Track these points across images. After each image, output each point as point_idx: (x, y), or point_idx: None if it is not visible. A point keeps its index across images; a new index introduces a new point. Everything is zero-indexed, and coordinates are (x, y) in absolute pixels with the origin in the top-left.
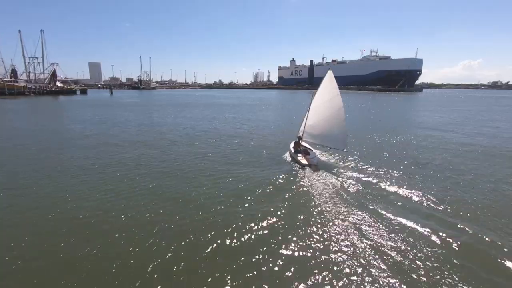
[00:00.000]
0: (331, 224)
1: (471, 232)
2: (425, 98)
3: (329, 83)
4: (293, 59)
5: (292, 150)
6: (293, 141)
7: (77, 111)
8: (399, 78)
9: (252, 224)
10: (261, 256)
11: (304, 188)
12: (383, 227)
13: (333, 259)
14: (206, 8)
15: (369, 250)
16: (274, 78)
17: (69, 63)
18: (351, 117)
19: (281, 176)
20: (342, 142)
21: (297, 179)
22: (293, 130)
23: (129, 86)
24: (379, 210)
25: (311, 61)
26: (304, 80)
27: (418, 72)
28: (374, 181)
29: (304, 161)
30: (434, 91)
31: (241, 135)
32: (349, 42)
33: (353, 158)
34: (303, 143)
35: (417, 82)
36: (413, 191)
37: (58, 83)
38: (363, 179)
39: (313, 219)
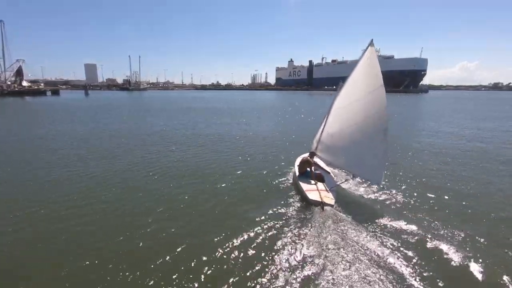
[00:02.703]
0: None
1: None
2: (441, 100)
3: (367, 68)
4: (291, 59)
5: (297, 172)
6: (301, 157)
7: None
8: (403, 79)
9: None
10: None
11: (309, 248)
12: None
13: None
14: (204, 9)
15: None
16: (272, 79)
17: (66, 63)
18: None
19: (267, 225)
20: (378, 172)
21: (297, 229)
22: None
23: (117, 87)
24: None
25: (310, 61)
26: (303, 81)
27: (422, 73)
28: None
29: (313, 197)
30: (443, 93)
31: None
32: (350, 42)
33: (398, 195)
34: (316, 160)
35: (421, 82)
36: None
37: (24, 83)
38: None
39: None
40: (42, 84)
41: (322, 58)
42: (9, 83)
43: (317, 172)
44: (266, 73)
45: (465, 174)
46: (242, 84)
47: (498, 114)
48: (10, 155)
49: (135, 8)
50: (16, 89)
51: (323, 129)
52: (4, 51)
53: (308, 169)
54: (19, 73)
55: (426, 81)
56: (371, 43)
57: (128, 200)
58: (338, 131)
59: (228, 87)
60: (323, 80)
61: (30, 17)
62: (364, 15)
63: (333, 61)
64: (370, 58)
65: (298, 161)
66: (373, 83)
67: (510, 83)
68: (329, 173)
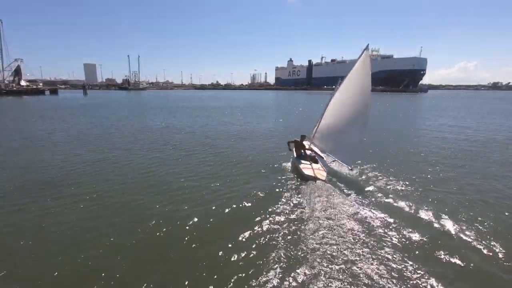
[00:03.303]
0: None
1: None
2: (442, 100)
3: (361, 70)
4: (290, 59)
5: (295, 155)
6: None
7: None
8: (402, 78)
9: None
10: None
11: (302, 214)
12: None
13: None
14: (203, 9)
15: None
16: (272, 79)
17: (66, 64)
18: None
19: (270, 194)
20: (352, 157)
21: (293, 200)
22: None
23: (116, 87)
24: (399, 251)
25: (309, 61)
26: (302, 80)
27: (422, 72)
28: (403, 207)
29: (308, 172)
30: (443, 92)
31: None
32: (349, 42)
33: (382, 175)
34: (312, 147)
35: (420, 82)
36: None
37: (22, 82)
38: (392, 205)
39: (308, 257)
40: (41, 84)
41: (322, 58)
42: (7, 82)
43: (312, 155)
44: (266, 73)
45: (444, 162)
46: (242, 84)
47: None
48: (6, 154)
49: (134, 8)
50: (15, 88)
51: (321, 119)
52: (2, 51)
53: (303, 152)
54: (17, 72)
55: (425, 81)
56: (366, 48)
57: (137, 188)
58: (333, 122)
59: (228, 87)
60: (322, 80)
61: (30, 18)
62: (364, 14)
63: (333, 60)
64: (364, 62)
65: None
66: (363, 84)
67: (509, 82)
68: (322, 157)
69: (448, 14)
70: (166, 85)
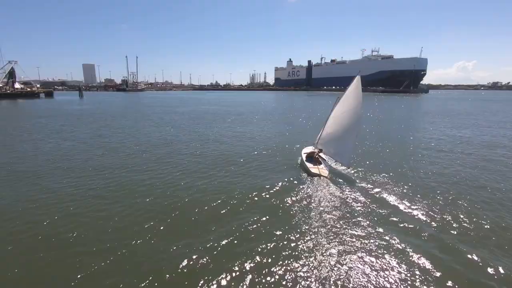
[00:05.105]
0: (335, 241)
1: (482, 260)
2: (455, 102)
3: (355, 89)
4: (290, 59)
5: (304, 157)
6: (307, 147)
7: None
8: (403, 79)
9: (244, 238)
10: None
11: (310, 200)
12: (388, 248)
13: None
14: (202, 10)
15: (370, 271)
16: (271, 80)
17: (65, 64)
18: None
19: (284, 185)
20: (348, 157)
21: (303, 190)
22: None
23: (113, 88)
24: (387, 230)
25: (309, 62)
26: (302, 81)
27: (422, 72)
28: (393, 199)
29: (314, 170)
30: (444, 93)
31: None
32: (349, 42)
33: (374, 174)
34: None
35: (420, 82)
36: (431, 214)
37: (16, 85)
38: (383, 197)
39: (316, 235)
40: (37, 85)
41: (321, 58)
42: (1, 85)
43: (317, 157)
44: (265, 73)
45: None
46: (241, 85)
47: None
48: None
49: (134, 8)
50: (8, 91)
51: (323, 128)
52: None
53: (313, 156)
54: (11, 75)
55: (424, 81)
56: (358, 73)
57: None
58: (334, 130)
59: (227, 87)
60: (322, 80)
61: (29, 18)
62: (363, 14)
63: (332, 61)
64: (356, 84)
65: (304, 149)
66: (355, 101)
67: (509, 82)
68: (325, 159)
69: (447, 13)
70: (165, 85)
